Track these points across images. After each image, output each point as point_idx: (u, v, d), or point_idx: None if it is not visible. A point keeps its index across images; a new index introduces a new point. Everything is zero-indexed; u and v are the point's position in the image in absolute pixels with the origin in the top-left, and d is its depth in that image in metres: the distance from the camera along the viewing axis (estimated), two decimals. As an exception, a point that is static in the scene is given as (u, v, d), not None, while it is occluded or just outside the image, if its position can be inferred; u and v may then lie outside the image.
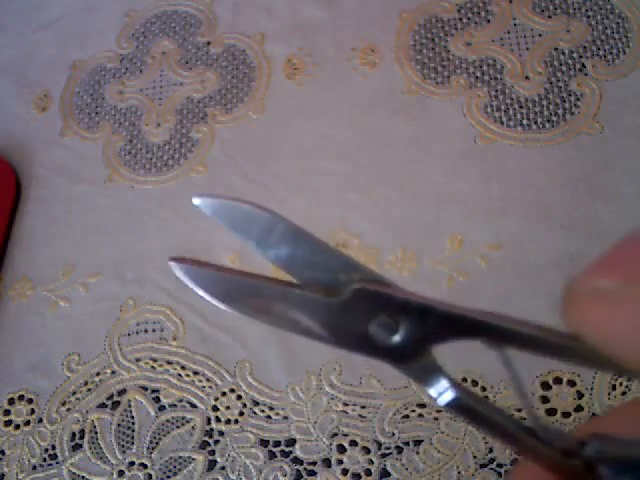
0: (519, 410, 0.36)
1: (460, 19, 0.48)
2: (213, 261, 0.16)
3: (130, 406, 0.40)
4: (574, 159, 0.41)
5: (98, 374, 0.42)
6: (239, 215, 0.15)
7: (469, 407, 0.13)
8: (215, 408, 0.39)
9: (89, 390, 0.41)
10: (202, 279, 0.15)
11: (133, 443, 0.39)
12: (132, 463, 0.39)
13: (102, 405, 0.41)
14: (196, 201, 0.15)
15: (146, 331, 0.42)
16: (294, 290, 0.14)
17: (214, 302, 0.15)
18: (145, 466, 0.39)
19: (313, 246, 0.15)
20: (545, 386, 0.36)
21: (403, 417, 0.37)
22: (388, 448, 0.37)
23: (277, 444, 0.38)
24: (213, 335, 0.41)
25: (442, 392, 0.13)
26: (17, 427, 0.41)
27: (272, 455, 0.38)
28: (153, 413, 0.40)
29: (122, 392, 0.41)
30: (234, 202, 0.15)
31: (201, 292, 0.15)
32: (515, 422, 0.13)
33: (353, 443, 0.37)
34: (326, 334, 0.14)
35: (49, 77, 0.53)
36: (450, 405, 0.13)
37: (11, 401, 0.42)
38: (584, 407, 0.36)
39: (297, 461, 0.37)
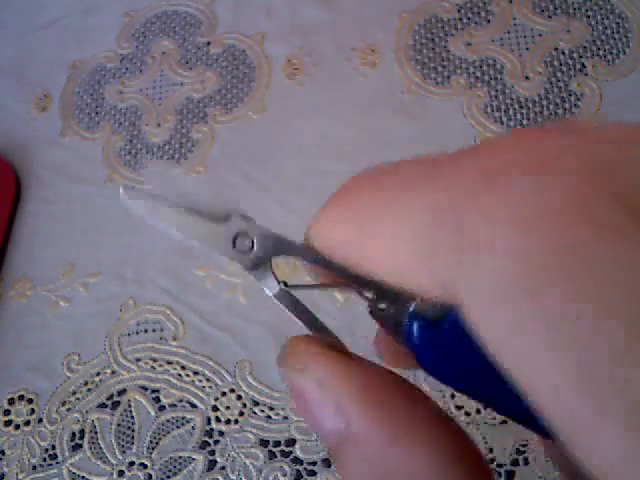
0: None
1: (460, 19, 0.48)
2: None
3: (130, 406, 0.40)
4: (574, 159, 0.41)
5: (98, 374, 0.42)
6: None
7: (291, 300, 0.18)
8: (215, 408, 0.39)
9: (89, 390, 0.41)
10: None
11: (133, 443, 0.39)
12: (132, 463, 0.39)
13: (102, 405, 0.41)
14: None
15: (146, 331, 0.42)
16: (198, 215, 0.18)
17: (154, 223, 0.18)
18: (145, 466, 0.39)
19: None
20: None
21: (403, 417, 0.37)
22: (388, 448, 0.37)
23: (277, 444, 0.38)
24: (213, 335, 0.41)
25: (272, 287, 0.18)
26: (17, 427, 0.41)
27: (272, 455, 0.38)
28: (153, 413, 0.40)
29: (122, 392, 0.41)
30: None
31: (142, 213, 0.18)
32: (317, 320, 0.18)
33: (353, 443, 0.37)
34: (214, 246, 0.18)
35: (49, 77, 0.53)
36: (275, 295, 0.18)
37: (11, 401, 0.42)
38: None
39: (297, 461, 0.37)
